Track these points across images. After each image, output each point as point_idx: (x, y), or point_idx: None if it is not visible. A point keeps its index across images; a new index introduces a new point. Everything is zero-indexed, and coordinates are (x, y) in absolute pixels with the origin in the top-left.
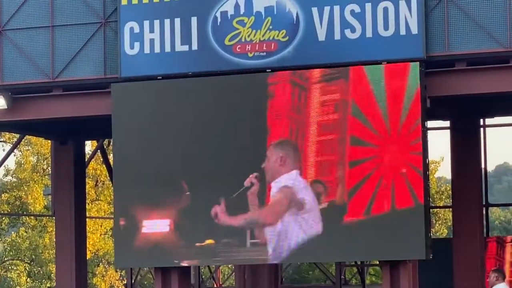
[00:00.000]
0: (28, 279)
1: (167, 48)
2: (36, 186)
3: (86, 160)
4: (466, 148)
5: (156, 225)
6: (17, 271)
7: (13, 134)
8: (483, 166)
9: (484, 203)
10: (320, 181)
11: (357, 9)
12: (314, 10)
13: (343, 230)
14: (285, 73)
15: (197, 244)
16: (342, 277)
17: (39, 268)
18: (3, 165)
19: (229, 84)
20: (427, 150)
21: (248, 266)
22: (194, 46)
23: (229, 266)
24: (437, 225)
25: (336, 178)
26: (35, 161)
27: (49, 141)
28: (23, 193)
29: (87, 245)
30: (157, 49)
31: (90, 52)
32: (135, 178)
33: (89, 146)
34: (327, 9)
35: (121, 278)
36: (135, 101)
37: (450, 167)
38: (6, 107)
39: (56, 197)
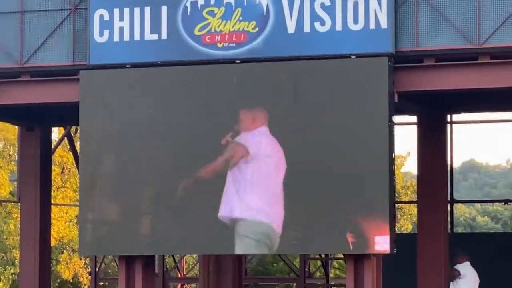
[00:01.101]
0: None
1: (137, 37)
2: (2, 171)
3: (52, 147)
4: (433, 144)
5: (121, 213)
6: None
7: None
8: (449, 162)
9: (449, 199)
10: None
11: (327, 2)
12: (284, 2)
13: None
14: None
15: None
16: (306, 270)
17: (3, 254)
18: None
19: (197, 74)
20: (394, 145)
21: (213, 257)
22: (164, 36)
23: (194, 256)
24: (402, 220)
25: None
26: (1, 146)
27: (16, 127)
28: None
29: (52, 232)
30: (126, 38)
31: (59, 39)
32: (102, 166)
33: (56, 133)
34: (297, 1)
35: (85, 266)
36: (103, 89)
37: (416, 163)
38: None
39: (21, 183)
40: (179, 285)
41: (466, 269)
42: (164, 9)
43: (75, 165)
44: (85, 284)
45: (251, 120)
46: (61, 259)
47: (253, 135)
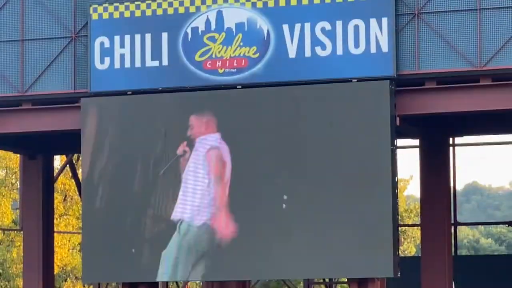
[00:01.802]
0: None
1: (137, 64)
2: (4, 200)
3: (55, 174)
4: (435, 167)
5: (124, 240)
6: None
7: None
8: (452, 184)
9: (452, 221)
10: None
11: (328, 26)
12: (285, 27)
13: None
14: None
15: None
16: None
17: (7, 283)
18: None
19: (198, 100)
20: (396, 168)
21: (217, 282)
22: (165, 62)
23: (197, 282)
24: (406, 243)
25: None
26: (4, 175)
27: (18, 155)
28: None
29: (55, 260)
30: (127, 64)
31: (60, 67)
32: (104, 193)
33: (58, 160)
34: (298, 26)
35: None
36: (105, 116)
37: (419, 186)
38: None
39: (24, 211)
40: None
41: None
42: (164, 36)
43: (77, 193)
44: None
45: None
46: (64, 287)
47: None
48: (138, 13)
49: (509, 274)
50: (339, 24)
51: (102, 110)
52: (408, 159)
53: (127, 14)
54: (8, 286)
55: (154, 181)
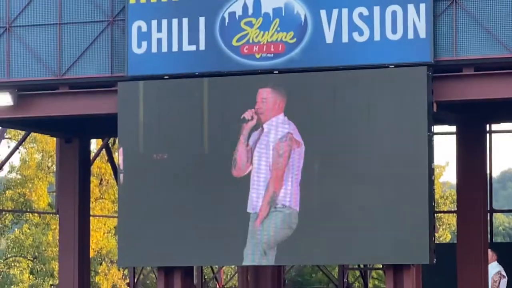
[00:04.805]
0: (31, 276)
1: (175, 48)
2: (41, 183)
3: (91, 158)
4: (472, 154)
5: (160, 224)
6: (20, 268)
7: (19, 131)
8: (488, 171)
9: (488, 208)
10: None
11: (365, 12)
12: (322, 12)
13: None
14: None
15: None
16: (344, 280)
17: (42, 266)
18: (8, 162)
19: (236, 85)
20: (433, 155)
21: (252, 268)
22: (202, 46)
23: (233, 266)
24: (441, 230)
25: None
26: (40, 158)
27: (54, 138)
28: (27, 190)
29: (90, 243)
30: (164, 49)
31: (97, 51)
32: (140, 176)
33: (94, 144)
34: (335, 11)
35: (123, 277)
36: (141, 100)
37: (456, 172)
38: (12, 104)
39: (60, 194)
40: None
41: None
42: (202, 20)
43: (113, 177)
44: None
45: None
46: (99, 270)
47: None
48: None
49: None
50: (376, 9)
51: (139, 94)
52: (445, 145)
53: None
54: (44, 269)
55: (197, 164)
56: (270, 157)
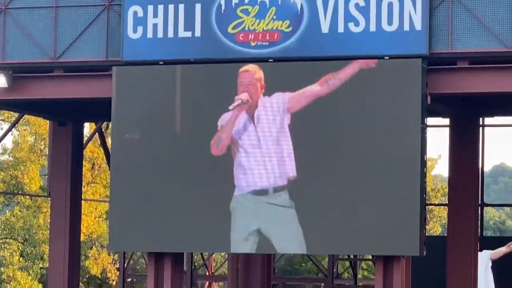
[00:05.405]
0: (21, 258)
1: (170, 34)
2: (33, 166)
3: (84, 142)
4: (464, 147)
5: (151, 209)
6: (10, 250)
7: (12, 113)
8: (480, 165)
9: (479, 202)
10: None
11: (361, 2)
12: (319, 2)
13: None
14: None
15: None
16: (334, 270)
17: (32, 248)
18: (0, 144)
19: (230, 72)
20: (426, 147)
21: (242, 256)
22: (197, 33)
23: (222, 254)
24: (432, 222)
25: None
26: (33, 141)
27: (48, 121)
28: (19, 172)
29: (81, 227)
30: (160, 34)
31: (92, 35)
32: (132, 162)
33: (87, 128)
34: (331, 1)
35: (113, 262)
36: (136, 85)
37: (448, 165)
38: (6, 85)
39: (52, 178)
40: (207, 283)
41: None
42: (198, 7)
43: (105, 161)
44: (113, 280)
45: None
46: (89, 255)
47: None
48: None
49: None
50: (373, 0)
51: (134, 79)
52: (437, 138)
53: None
54: (34, 252)
55: (189, 151)
56: (274, 131)
